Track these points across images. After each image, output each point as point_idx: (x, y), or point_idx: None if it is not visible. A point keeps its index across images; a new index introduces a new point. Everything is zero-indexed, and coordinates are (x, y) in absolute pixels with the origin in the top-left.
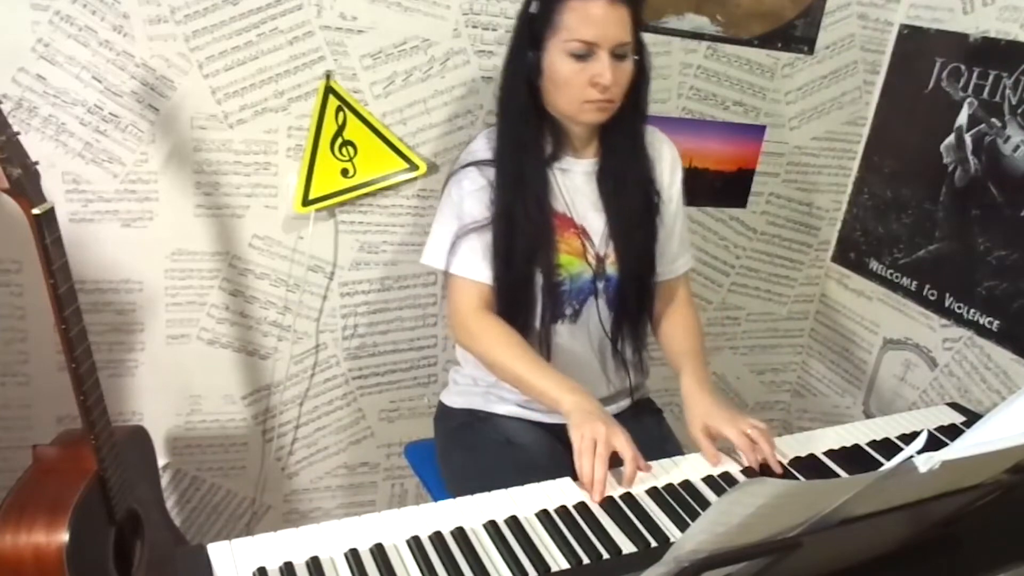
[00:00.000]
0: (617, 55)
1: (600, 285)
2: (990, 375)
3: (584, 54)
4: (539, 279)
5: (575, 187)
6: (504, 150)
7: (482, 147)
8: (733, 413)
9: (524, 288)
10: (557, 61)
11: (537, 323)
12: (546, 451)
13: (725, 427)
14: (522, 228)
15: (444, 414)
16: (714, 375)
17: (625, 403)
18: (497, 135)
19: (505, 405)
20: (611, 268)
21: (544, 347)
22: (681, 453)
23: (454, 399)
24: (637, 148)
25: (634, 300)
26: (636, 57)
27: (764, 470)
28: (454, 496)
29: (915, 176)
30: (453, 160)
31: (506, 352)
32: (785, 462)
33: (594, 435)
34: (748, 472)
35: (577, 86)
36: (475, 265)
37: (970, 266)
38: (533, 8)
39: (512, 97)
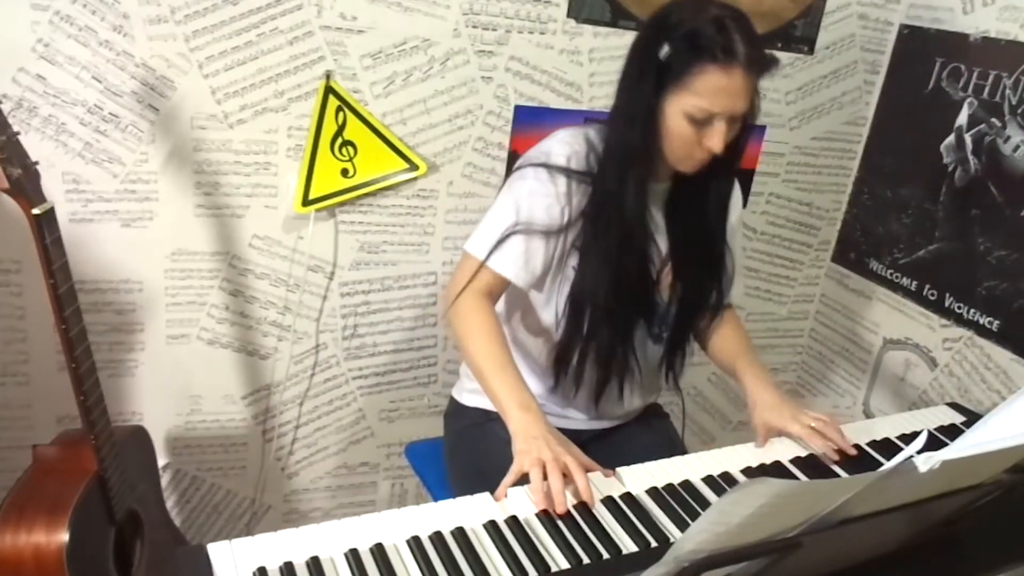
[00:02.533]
0: (733, 120)
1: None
2: (990, 375)
3: (703, 120)
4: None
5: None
6: (609, 173)
7: (558, 151)
8: (795, 409)
9: (603, 307)
10: (674, 118)
11: (609, 337)
12: None
13: (789, 424)
14: (604, 248)
15: (456, 411)
16: (714, 375)
17: (636, 413)
18: (606, 153)
19: None
20: (661, 294)
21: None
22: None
23: (467, 396)
24: (723, 181)
25: (680, 327)
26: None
27: (841, 456)
28: (458, 493)
29: (915, 176)
30: (454, 158)
31: (481, 342)
32: (785, 462)
33: (540, 458)
34: (747, 472)
35: (688, 146)
36: (509, 264)
37: (970, 266)
38: (663, 54)
39: (629, 128)
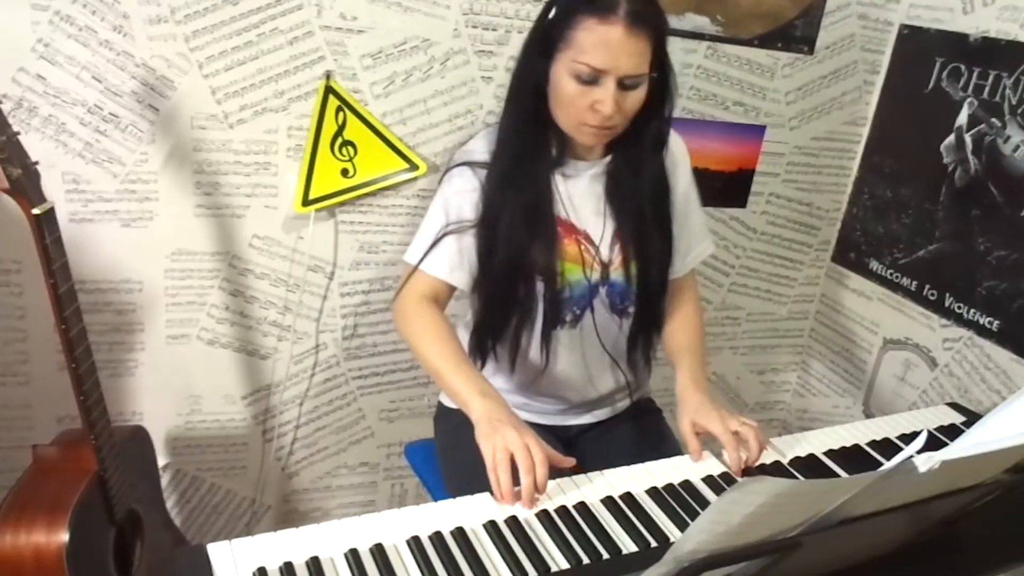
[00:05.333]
0: (626, 85)
1: (603, 290)
2: (990, 375)
3: (590, 79)
4: (539, 286)
5: (579, 192)
6: (502, 153)
7: (480, 147)
8: (723, 411)
9: (508, 294)
10: (562, 78)
11: (538, 329)
12: None
13: (713, 424)
14: (504, 235)
15: (443, 414)
16: (714, 375)
17: (625, 403)
18: (497, 136)
19: None
20: (615, 274)
21: (544, 352)
22: (680, 453)
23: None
24: (653, 157)
25: (644, 304)
26: (655, 75)
27: (747, 473)
28: (454, 495)
29: (915, 176)
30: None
31: (432, 345)
32: (785, 462)
33: (507, 446)
34: (747, 472)
35: (577, 108)
36: (441, 265)
37: (970, 266)
38: (552, 14)
39: (517, 100)
